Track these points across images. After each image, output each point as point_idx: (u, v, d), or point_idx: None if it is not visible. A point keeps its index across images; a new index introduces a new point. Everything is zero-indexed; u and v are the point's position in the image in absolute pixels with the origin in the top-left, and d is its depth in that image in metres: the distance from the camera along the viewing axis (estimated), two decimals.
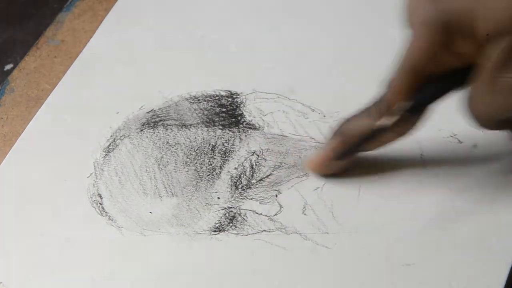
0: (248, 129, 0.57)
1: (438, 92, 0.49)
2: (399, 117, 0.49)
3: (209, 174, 0.55)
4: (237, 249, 0.51)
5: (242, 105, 0.58)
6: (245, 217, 0.52)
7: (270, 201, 0.53)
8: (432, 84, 0.48)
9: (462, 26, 0.45)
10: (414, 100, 0.48)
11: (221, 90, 0.59)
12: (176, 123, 0.58)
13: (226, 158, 0.55)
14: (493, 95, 0.46)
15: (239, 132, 0.57)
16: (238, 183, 0.54)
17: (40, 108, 0.60)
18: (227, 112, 0.58)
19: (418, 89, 0.48)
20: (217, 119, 0.57)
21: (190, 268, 0.50)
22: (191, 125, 0.57)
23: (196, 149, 0.56)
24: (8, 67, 0.65)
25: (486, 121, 0.47)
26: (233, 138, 0.56)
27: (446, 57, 0.47)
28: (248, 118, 0.57)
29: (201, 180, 0.54)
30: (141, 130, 0.58)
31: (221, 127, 0.57)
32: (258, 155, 0.55)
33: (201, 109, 0.58)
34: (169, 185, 0.54)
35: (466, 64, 0.47)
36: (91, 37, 0.64)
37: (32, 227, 0.54)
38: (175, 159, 0.56)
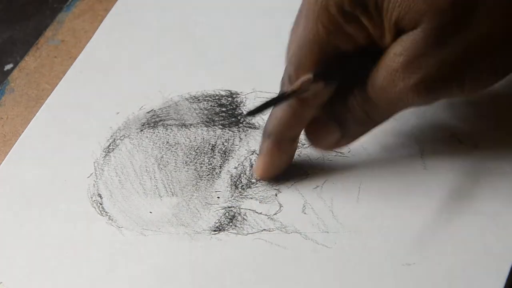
0: (248, 129, 0.57)
1: (352, 68, 0.49)
2: (300, 86, 0.48)
3: (209, 174, 0.55)
4: (237, 248, 0.51)
5: (242, 105, 0.58)
6: (245, 217, 0.52)
7: (270, 200, 0.53)
8: (345, 59, 0.48)
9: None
10: (321, 74, 0.48)
11: (221, 90, 0.59)
12: (176, 123, 0.58)
13: (226, 158, 0.55)
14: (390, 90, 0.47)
15: (239, 131, 0.57)
16: (238, 182, 0.54)
17: (40, 108, 0.60)
18: (227, 112, 0.58)
19: (323, 63, 0.48)
20: (217, 118, 0.57)
21: (190, 267, 0.50)
22: (191, 125, 0.57)
23: (196, 148, 0.56)
24: (8, 67, 0.65)
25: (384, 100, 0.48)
26: (233, 138, 0.56)
27: (350, 31, 0.47)
28: (248, 117, 0.57)
29: (201, 179, 0.54)
30: (141, 130, 0.58)
31: (221, 126, 0.57)
32: (258, 154, 0.55)
33: (201, 109, 0.58)
34: (169, 185, 0.54)
35: (372, 43, 0.48)
36: (91, 37, 0.64)
37: (32, 227, 0.54)
38: (175, 159, 0.56)
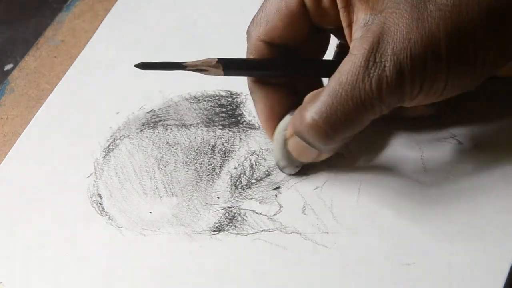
0: (248, 129, 0.57)
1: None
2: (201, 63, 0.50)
3: (208, 174, 0.55)
4: (236, 249, 0.51)
5: (242, 105, 0.58)
6: (244, 217, 0.52)
7: (269, 201, 0.53)
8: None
9: None
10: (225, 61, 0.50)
11: (221, 90, 0.59)
12: (176, 123, 0.58)
13: (226, 158, 0.55)
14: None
15: (239, 132, 0.57)
16: (238, 182, 0.54)
17: (40, 108, 0.60)
18: (227, 112, 0.58)
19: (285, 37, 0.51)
20: (217, 119, 0.58)
21: (190, 268, 0.50)
22: (191, 125, 0.57)
23: (196, 149, 0.56)
24: (8, 67, 0.65)
25: None
26: (233, 138, 0.56)
27: (326, 5, 0.49)
28: (248, 118, 0.57)
29: (201, 180, 0.54)
30: (141, 130, 0.58)
31: (221, 127, 0.57)
32: (258, 155, 0.55)
33: (201, 109, 0.58)
34: (169, 185, 0.54)
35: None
36: (91, 37, 0.64)
37: (32, 227, 0.54)
38: (175, 159, 0.56)
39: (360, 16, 0.47)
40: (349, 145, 0.54)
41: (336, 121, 0.47)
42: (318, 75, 0.54)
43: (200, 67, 0.50)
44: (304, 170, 0.54)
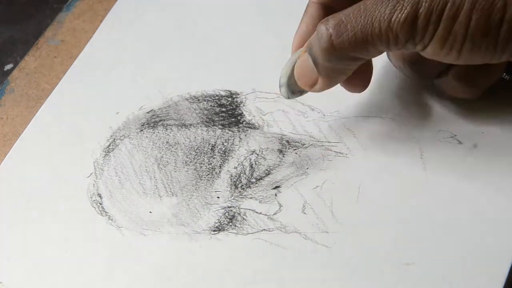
0: (247, 129, 0.57)
1: None
2: None
3: (208, 174, 0.55)
4: (236, 248, 0.51)
5: (241, 105, 0.58)
6: (244, 216, 0.52)
7: (269, 200, 0.53)
8: None
9: None
10: None
11: (221, 90, 0.59)
12: (176, 123, 0.58)
13: (226, 158, 0.55)
14: None
15: (239, 131, 0.57)
16: (237, 182, 0.54)
17: (40, 108, 0.60)
18: (226, 112, 0.58)
19: None
20: (216, 118, 0.58)
21: (190, 267, 0.50)
22: (191, 125, 0.57)
23: (195, 148, 0.56)
24: (8, 67, 0.65)
25: None
26: (232, 138, 0.56)
27: None
28: (247, 117, 0.57)
29: (201, 179, 0.54)
30: (141, 130, 0.58)
31: (220, 126, 0.57)
32: (257, 154, 0.55)
33: (201, 109, 0.58)
34: (168, 185, 0.54)
35: None
36: (91, 37, 0.64)
37: (32, 227, 0.54)
38: (174, 159, 0.56)
39: None
40: (349, 144, 0.54)
41: (343, 30, 0.47)
42: None
43: None
44: (304, 169, 0.54)
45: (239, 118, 0.57)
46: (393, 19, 0.46)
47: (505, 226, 0.49)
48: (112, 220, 0.53)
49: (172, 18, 0.65)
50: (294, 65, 0.52)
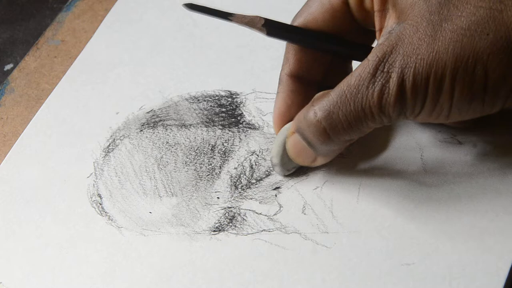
0: (247, 129, 0.57)
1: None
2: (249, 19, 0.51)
3: (208, 174, 0.55)
4: (236, 249, 0.51)
5: (241, 105, 0.58)
6: (244, 217, 0.52)
7: (269, 201, 0.53)
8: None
9: None
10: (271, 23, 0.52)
11: (221, 90, 0.59)
12: (176, 123, 0.58)
13: (226, 158, 0.55)
14: None
15: (239, 132, 0.57)
16: (237, 182, 0.54)
17: (40, 108, 0.60)
18: (226, 112, 0.58)
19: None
20: (216, 119, 0.57)
21: (190, 268, 0.50)
22: (190, 125, 0.57)
23: (195, 149, 0.56)
24: (8, 67, 0.65)
25: None
26: (232, 138, 0.56)
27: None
28: (247, 118, 0.57)
29: (201, 180, 0.54)
30: (141, 130, 0.58)
31: (220, 127, 0.57)
32: (257, 155, 0.55)
33: (200, 109, 0.58)
34: (168, 185, 0.54)
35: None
36: (91, 37, 0.64)
37: (32, 227, 0.54)
38: (174, 159, 0.56)
39: (389, 23, 0.47)
40: (349, 146, 0.54)
41: (336, 121, 0.47)
42: (356, 58, 0.53)
43: (246, 24, 0.50)
44: (304, 170, 0.54)
45: (239, 118, 0.57)
46: (383, 103, 0.46)
47: (505, 226, 0.49)
48: (112, 220, 0.53)
49: (172, 18, 0.65)
50: (283, 145, 0.52)
